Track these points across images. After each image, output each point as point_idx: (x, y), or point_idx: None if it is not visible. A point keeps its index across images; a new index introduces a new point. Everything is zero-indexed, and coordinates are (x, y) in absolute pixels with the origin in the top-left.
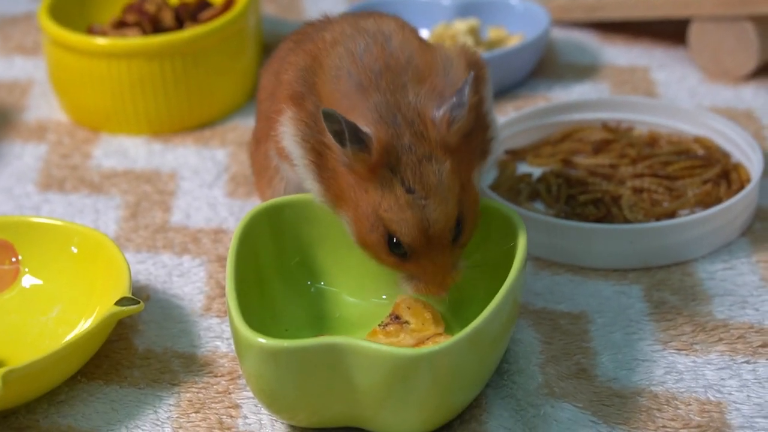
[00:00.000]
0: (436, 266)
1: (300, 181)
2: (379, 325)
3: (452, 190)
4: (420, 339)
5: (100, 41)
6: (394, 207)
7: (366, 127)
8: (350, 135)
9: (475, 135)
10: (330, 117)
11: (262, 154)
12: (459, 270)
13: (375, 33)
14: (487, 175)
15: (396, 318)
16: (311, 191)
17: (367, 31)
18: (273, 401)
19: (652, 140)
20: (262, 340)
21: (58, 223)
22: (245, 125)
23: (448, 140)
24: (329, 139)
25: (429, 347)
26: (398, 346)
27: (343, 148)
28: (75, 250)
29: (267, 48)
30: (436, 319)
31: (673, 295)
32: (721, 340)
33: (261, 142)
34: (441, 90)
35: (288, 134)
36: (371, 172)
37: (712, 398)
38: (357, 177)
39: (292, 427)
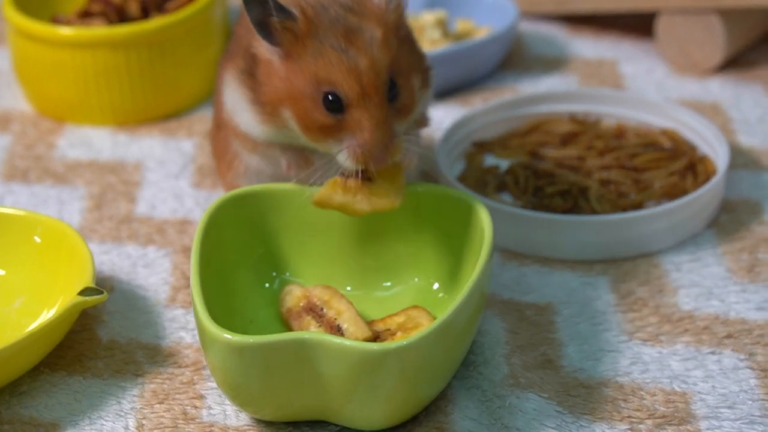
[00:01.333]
0: (373, 118)
1: (258, 166)
2: (342, 175)
3: (384, 51)
4: (374, 208)
5: (65, 31)
6: (326, 64)
7: (292, 8)
8: (276, 8)
9: (412, 51)
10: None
11: (222, 138)
12: (397, 142)
13: None
14: (454, 167)
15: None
16: (252, 125)
17: None
18: (238, 395)
19: (620, 132)
20: (227, 335)
21: (21, 213)
22: (211, 116)
23: (386, 17)
24: (257, 45)
25: (396, 342)
26: (352, 206)
27: (271, 21)
28: (38, 240)
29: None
30: (399, 190)
31: (640, 286)
32: (686, 331)
33: (221, 127)
34: None
35: (227, 87)
36: (301, 45)
37: (677, 389)
38: (288, 62)
39: (256, 419)
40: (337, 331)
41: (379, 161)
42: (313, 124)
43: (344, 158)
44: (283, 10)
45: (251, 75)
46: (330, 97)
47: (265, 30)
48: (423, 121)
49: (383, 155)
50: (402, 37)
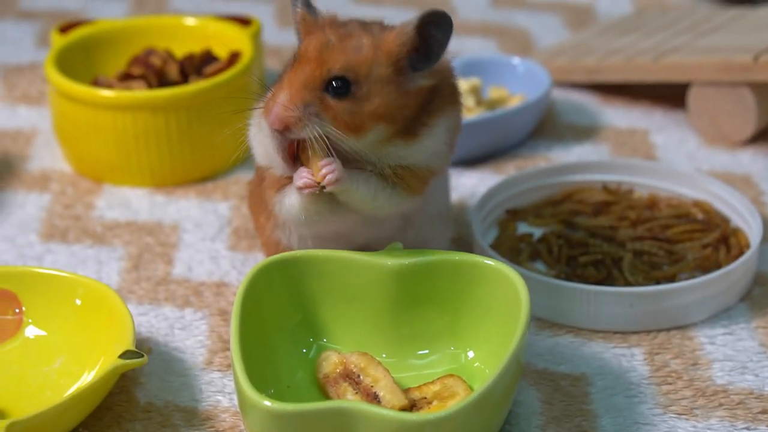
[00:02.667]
0: (291, 80)
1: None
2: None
3: (359, 58)
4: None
5: (106, 93)
6: (311, 38)
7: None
8: (303, 2)
9: (410, 103)
10: None
11: (262, 191)
12: (306, 117)
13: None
14: (487, 234)
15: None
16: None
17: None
18: None
19: (652, 203)
20: (267, 402)
21: (63, 274)
22: (248, 179)
23: (385, 39)
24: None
25: (435, 412)
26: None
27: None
28: (79, 302)
29: None
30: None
31: (674, 359)
32: (721, 405)
33: (261, 179)
34: None
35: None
36: (309, 35)
37: None
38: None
39: None
40: (374, 398)
41: (273, 120)
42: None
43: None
44: (308, 6)
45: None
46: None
47: (297, 29)
48: (409, 180)
49: (278, 115)
50: (413, 88)
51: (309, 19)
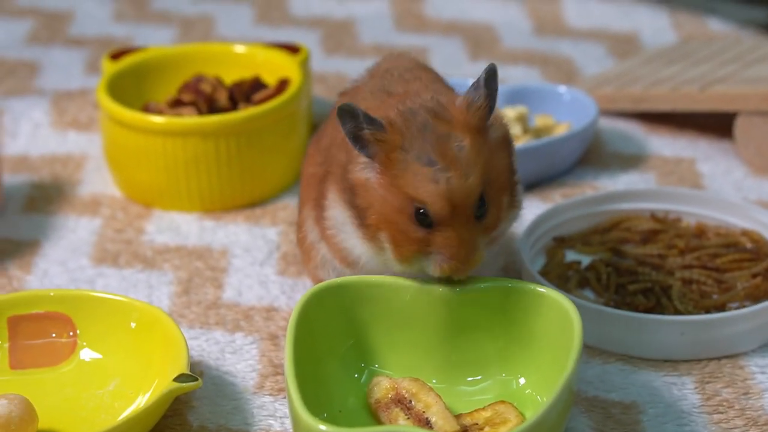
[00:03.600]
0: (460, 238)
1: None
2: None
3: (474, 163)
4: None
5: (157, 119)
6: (416, 181)
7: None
8: (366, 119)
9: (505, 156)
10: (345, 110)
11: (303, 230)
12: (480, 254)
13: (396, 70)
14: (535, 261)
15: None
16: (354, 246)
17: (389, 71)
18: None
19: (700, 232)
20: (323, 427)
21: (117, 297)
22: (296, 205)
23: (469, 120)
24: (352, 170)
25: None
26: None
27: (364, 134)
28: (133, 325)
29: (317, 128)
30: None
31: (725, 387)
32: None
33: (303, 224)
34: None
35: (333, 211)
36: (393, 157)
37: None
38: (383, 177)
39: None
40: (426, 424)
41: (461, 273)
42: (405, 240)
43: (431, 269)
44: (372, 121)
45: (352, 198)
46: (421, 211)
47: (359, 142)
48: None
49: (465, 268)
50: (496, 140)
51: (382, 137)
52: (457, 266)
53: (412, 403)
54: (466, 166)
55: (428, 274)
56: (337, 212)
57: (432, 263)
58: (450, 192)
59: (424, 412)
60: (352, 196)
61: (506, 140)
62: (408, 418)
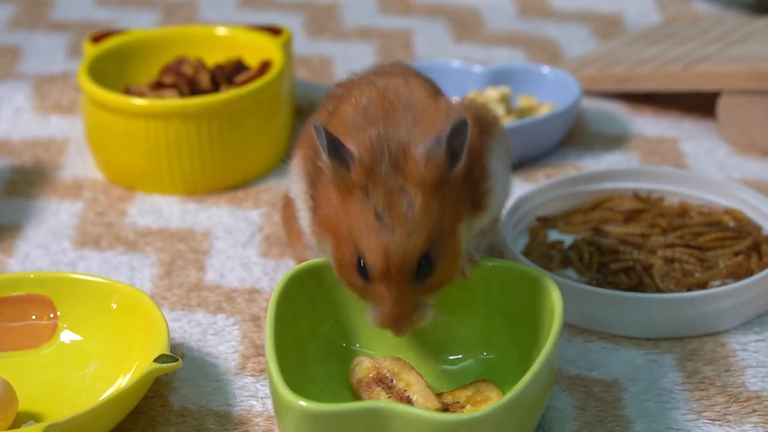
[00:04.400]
0: (393, 299)
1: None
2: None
3: (420, 225)
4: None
5: (139, 102)
6: (363, 229)
7: (352, 148)
8: (330, 147)
9: (468, 184)
10: (318, 131)
11: (292, 210)
12: (422, 312)
13: (382, 86)
14: (517, 241)
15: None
16: (304, 225)
17: (375, 85)
18: None
19: (683, 211)
20: (302, 403)
21: (98, 279)
22: (279, 187)
23: (425, 177)
24: (323, 161)
25: (469, 413)
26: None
27: (328, 163)
28: (114, 307)
29: (299, 111)
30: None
31: (706, 365)
32: (754, 411)
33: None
34: (435, 134)
35: (294, 177)
36: (350, 192)
37: None
38: (340, 197)
39: None
40: (407, 402)
41: (399, 332)
42: (344, 271)
43: (370, 318)
44: (339, 155)
45: (314, 183)
46: (361, 263)
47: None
48: (491, 226)
49: (403, 327)
50: (456, 182)
51: (345, 176)
52: (390, 325)
53: (394, 382)
54: (412, 227)
55: None
56: (298, 185)
57: (369, 313)
58: (387, 251)
59: (405, 390)
60: (314, 181)
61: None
62: (389, 397)
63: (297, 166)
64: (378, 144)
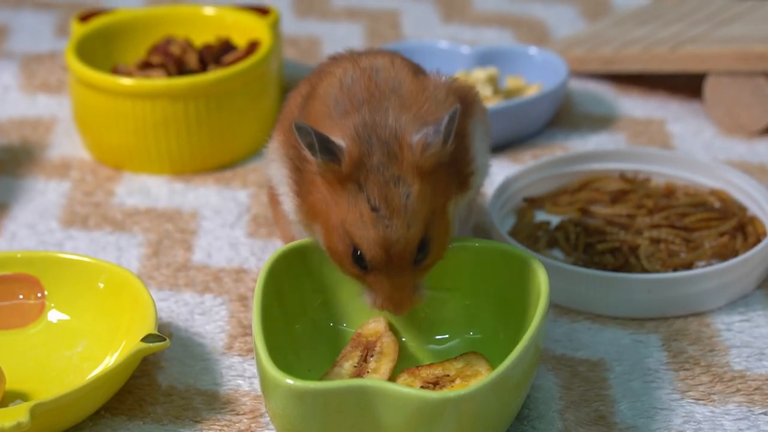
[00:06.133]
0: (393, 285)
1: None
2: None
3: (418, 213)
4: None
5: (126, 81)
6: (358, 222)
7: (340, 141)
8: (320, 146)
9: (454, 165)
10: (301, 129)
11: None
12: (419, 293)
13: (366, 67)
14: (505, 222)
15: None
16: (289, 211)
17: (360, 64)
18: None
19: (669, 192)
20: (289, 380)
21: (85, 259)
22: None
23: (421, 164)
24: (306, 152)
25: (455, 391)
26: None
27: (315, 159)
28: (102, 286)
29: (287, 91)
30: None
31: (691, 345)
32: (738, 390)
33: None
34: (424, 118)
35: (272, 160)
36: (341, 185)
37: None
38: (329, 188)
39: None
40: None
41: (398, 313)
42: (337, 258)
43: (365, 296)
44: (328, 150)
45: (297, 169)
46: (358, 253)
47: (314, 153)
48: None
49: (403, 309)
50: (444, 162)
51: (335, 170)
52: (391, 308)
53: (371, 359)
54: (410, 217)
55: None
56: (279, 170)
57: (367, 296)
58: (387, 241)
59: (367, 373)
60: (298, 166)
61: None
62: (354, 367)
63: (276, 150)
64: (365, 133)
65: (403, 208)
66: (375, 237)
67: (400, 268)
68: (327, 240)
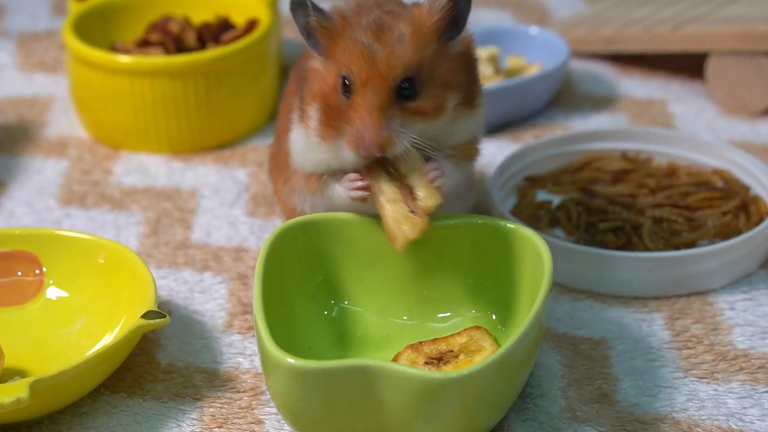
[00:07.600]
0: (371, 105)
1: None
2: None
3: (408, 50)
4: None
5: (124, 59)
6: (349, 53)
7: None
8: (314, 9)
9: (462, 74)
10: (295, 3)
11: (282, 153)
12: (396, 134)
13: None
14: (506, 201)
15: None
16: (304, 154)
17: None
18: (298, 419)
19: (671, 171)
20: (290, 360)
21: (84, 236)
22: (265, 146)
23: (423, 19)
24: (309, 61)
25: (458, 371)
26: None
27: (310, 22)
28: (101, 262)
29: (286, 70)
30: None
31: (694, 324)
32: (742, 369)
33: (281, 142)
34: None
35: (291, 135)
36: (336, 44)
37: (734, 426)
38: (326, 63)
39: None
40: (408, 192)
41: (368, 148)
42: (329, 112)
43: (345, 148)
44: (321, 11)
45: (301, 107)
46: (345, 81)
47: (310, 38)
48: (470, 151)
49: (372, 143)
50: (454, 54)
51: (327, 25)
52: (363, 137)
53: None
54: (399, 50)
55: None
56: (293, 132)
57: (346, 137)
58: (372, 56)
59: (405, 176)
60: (301, 105)
61: (471, 56)
62: (390, 181)
63: (292, 109)
64: (359, 8)
65: (393, 40)
66: (360, 52)
67: (380, 92)
68: (321, 103)
